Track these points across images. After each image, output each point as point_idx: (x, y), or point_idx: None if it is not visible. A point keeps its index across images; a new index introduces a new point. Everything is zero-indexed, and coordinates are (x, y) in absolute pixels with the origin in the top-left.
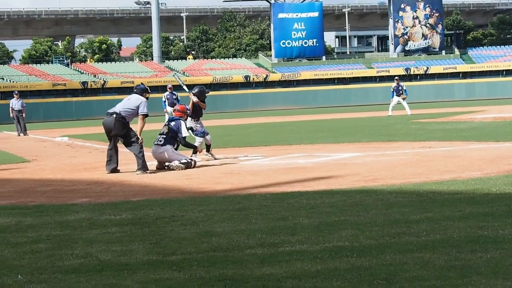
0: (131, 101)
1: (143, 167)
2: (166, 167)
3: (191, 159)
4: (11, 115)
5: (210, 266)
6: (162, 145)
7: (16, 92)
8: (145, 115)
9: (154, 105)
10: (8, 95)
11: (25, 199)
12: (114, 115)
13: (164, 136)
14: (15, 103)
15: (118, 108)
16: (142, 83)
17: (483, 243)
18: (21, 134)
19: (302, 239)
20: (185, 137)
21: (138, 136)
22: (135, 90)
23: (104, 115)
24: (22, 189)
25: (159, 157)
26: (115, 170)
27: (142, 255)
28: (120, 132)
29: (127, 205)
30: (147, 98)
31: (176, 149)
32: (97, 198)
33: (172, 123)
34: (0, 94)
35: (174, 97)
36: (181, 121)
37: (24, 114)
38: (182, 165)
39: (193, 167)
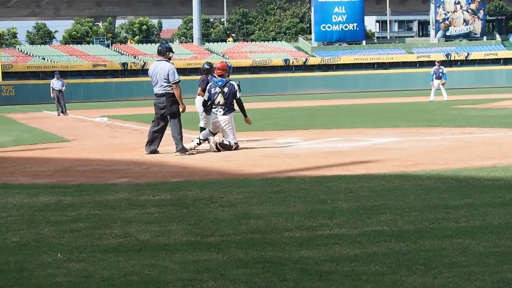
0: (161, 74)
1: (182, 149)
2: (204, 141)
3: (235, 143)
4: (51, 95)
5: (248, 248)
6: (223, 115)
7: (57, 72)
8: (178, 82)
9: (192, 88)
10: (49, 75)
11: (65, 178)
12: (165, 96)
13: (223, 107)
14: (55, 83)
15: (160, 87)
16: (166, 42)
17: None
18: (61, 114)
19: (340, 222)
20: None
21: (181, 103)
22: (159, 48)
23: (143, 97)
24: (62, 168)
25: (215, 125)
26: (154, 152)
27: (181, 236)
28: (174, 109)
29: (166, 186)
30: (169, 59)
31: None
32: (136, 178)
33: (225, 89)
34: (41, 74)
35: None
36: (230, 82)
37: (63, 91)
38: (214, 148)
39: (234, 149)
